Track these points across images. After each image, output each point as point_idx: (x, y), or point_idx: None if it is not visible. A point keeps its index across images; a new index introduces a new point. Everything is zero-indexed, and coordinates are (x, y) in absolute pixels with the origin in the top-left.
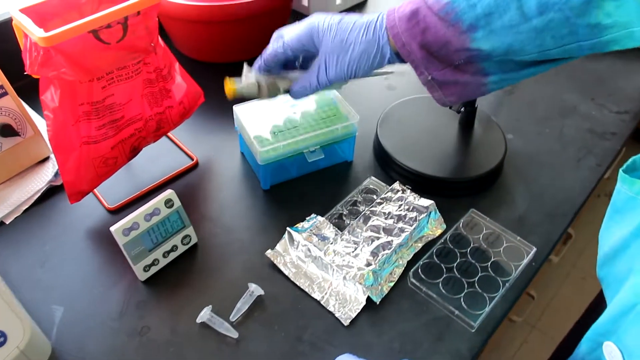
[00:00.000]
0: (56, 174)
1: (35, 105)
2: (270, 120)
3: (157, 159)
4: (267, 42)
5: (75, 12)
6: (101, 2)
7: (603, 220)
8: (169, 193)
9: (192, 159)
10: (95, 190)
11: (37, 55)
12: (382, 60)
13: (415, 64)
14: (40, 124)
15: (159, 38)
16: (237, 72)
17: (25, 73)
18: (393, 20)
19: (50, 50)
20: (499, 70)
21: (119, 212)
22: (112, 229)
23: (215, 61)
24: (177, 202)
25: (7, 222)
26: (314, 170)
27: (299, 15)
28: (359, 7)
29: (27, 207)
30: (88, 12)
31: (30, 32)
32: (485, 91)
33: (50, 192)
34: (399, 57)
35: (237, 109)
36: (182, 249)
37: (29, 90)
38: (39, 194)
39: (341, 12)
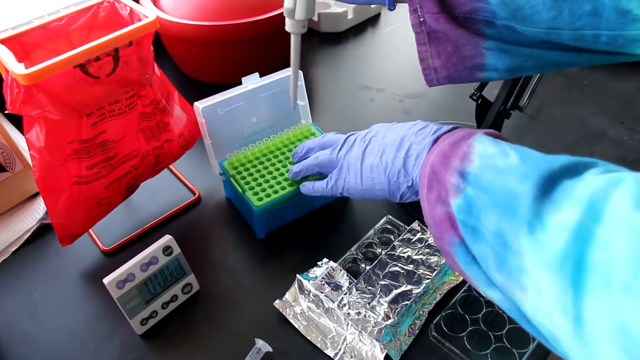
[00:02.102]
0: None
1: None
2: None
3: (157, 193)
4: (271, 61)
5: (62, 41)
6: (91, 29)
7: None
8: (167, 240)
9: (194, 194)
10: (89, 229)
11: (18, 92)
12: None
13: None
14: None
15: (156, 66)
16: None
17: (6, 112)
18: None
19: (32, 88)
20: (499, 39)
21: (115, 253)
22: (105, 281)
23: (219, 82)
24: (177, 249)
25: None
26: (311, 210)
27: (308, 32)
28: (372, 21)
29: (16, 247)
30: (77, 41)
31: (10, 68)
32: (479, 65)
33: (41, 231)
34: None
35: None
36: (182, 298)
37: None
38: (29, 234)
39: (353, 27)
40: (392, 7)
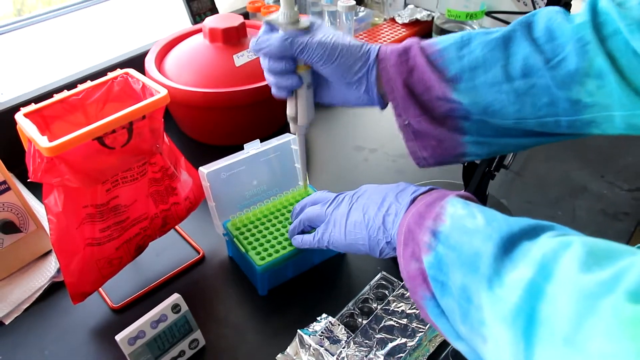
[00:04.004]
0: (59, 270)
1: (40, 189)
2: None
3: (163, 253)
4: (271, 124)
5: (80, 113)
6: (106, 102)
7: None
8: (176, 298)
9: (199, 252)
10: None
11: (40, 163)
12: (368, 88)
13: (396, 102)
14: (43, 213)
15: (165, 136)
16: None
17: (28, 180)
18: (384, 52)
19: (54, 159)
20: (476, 132)
21: (123, 310)
22: (117, 338)
23: (221, 144)
24: (184, 307)
25: (7, 322)
26: (310, 267)
27: None
28: None
29: (27, 305)
30: (93, 113)
31: (35, 141)
32: (461, 154)
33: (52, 289)
34: (380, 96)
35: (228, 224)
36: (189, 353)
37: None
38: (40, 292)
39: None
40: (383, 108)
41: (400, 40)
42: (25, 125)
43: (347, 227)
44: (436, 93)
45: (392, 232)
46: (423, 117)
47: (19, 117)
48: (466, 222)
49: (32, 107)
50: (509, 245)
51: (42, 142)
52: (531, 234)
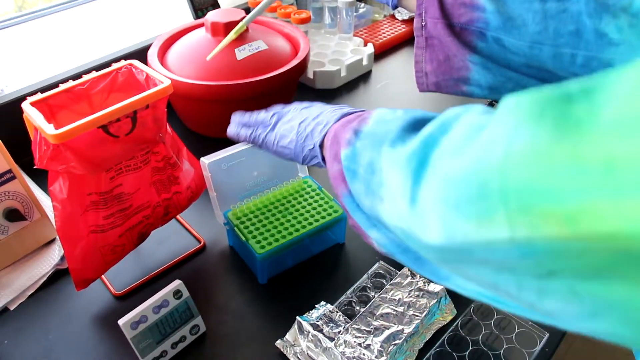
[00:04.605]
0: (62, 258)
1: (43, 181)
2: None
3: (164, 242)
4: None
5: (85, 103)
6: (111, 92)
7: None
8: (177, 284)
9: (200, 242)
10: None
11: (46, 150)
12: None
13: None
14: (47, 203)
15: (167, 126)
16: None
17: (34, 167)
18: None
19: (59, 147)
20: (486, 54)
21: (126, 297)
22: (120, 322)
23: (222, 137)
24: (186, 293)
25: (12, 308)
26: (309, 256)
27: (304, 88)
28: (363, 78)
29: (32, 291)
30: (97, 103)
31: (41, 128)
32: (464, 78)
33: (56, 276)
34: None
35: (228, 213)
36: (190, 339)
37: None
38: (44, 279)
39: (346, 83)
40: (394, 7)
41: (400, 37)
42: (31, 113)
43: (280, 131)
44: None
45: (318, 139)
46: (441, 20)
47: (25, 105)
48: (386, 116)
49: (39, 96)
50: (417, 124)
51: (49, 129)
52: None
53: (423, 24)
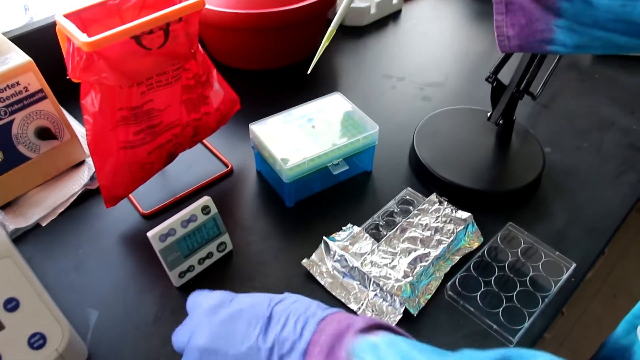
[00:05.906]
0: (91, 178)
1: (73, 109)
2: (288, 137)
3: (192, 166)
4: (303, 50)
5: (116, 18)
6: (142, 8)
7: None
8: (206, 200)
9: (227, 166)
10: (130, 195)
11: (79, 60)
12: None
13: None
14: (77, 128)
15: (199, 44)
16: (272, 80)
17: (67, 77)
18: None
19: (92, 55)
20: (572, 17)
21: (153, 217)
22: (149, 234)
23: (250, 68)
24: (214, 209)
25: (43, 225)
26: (336, 183)
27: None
28: (393, 17)
29: (62, 209)
30: (129, 18)
31: (75, 36)
32: (548, 39)
33: (85, 196)
34: None
35: (254, 127)
36: (217, 255)
37: (67, 95)
38: (74, 197)
39: (375, 21)
40: None
41: None
42: (65, 24)
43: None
44: None
45: None
46: None
47: (58, 16)
48: None
49: (71, 8)
50: None
51: (82, 37)
52: None
53: None
